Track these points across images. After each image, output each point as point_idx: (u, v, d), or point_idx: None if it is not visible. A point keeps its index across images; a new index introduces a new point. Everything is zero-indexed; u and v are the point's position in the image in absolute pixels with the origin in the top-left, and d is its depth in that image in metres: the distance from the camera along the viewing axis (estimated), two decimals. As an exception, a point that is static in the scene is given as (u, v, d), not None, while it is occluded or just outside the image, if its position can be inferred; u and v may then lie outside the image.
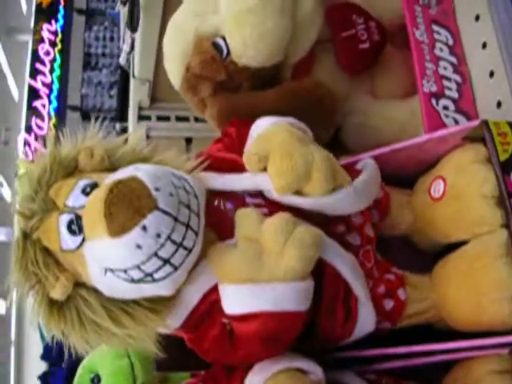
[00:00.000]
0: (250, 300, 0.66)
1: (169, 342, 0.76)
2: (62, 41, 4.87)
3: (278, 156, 0.72)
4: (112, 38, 4.72)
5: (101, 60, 4.86)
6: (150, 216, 0.61)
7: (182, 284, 0.70)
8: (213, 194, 0.76)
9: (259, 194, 0.77)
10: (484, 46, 0.90)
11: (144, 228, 0.61)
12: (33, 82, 4.83)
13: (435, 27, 0.95)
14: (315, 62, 1.00)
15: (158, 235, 0.62)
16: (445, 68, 0.92)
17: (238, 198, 0.77)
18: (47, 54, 4.84)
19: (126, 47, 1.53)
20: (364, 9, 1.02)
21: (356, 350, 0.82)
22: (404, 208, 0.89)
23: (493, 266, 0.73)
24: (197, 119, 1.49)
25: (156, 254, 0.63)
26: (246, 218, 0.70)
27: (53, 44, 4.86)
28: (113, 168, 0.72)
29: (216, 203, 0.76)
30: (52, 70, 4.83)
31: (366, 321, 0.77)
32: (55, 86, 4.82)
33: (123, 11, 1.47)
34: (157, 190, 0.63)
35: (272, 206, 0.76)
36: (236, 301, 0.68)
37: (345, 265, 0.75)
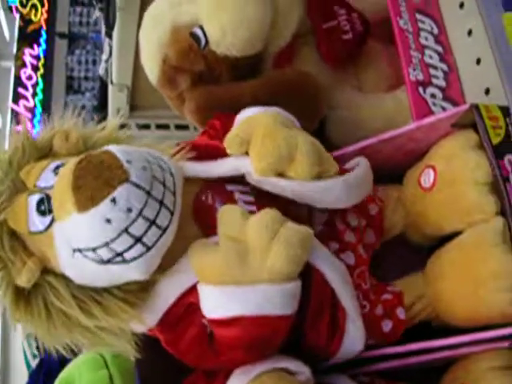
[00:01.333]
0: (230, 303, 0.61)
1: (153, 356, 0.72)
2: (44, 65, 4.86)
3: (260, 137, 0.69)
4: (94, 62, 4.71)
5: (83, 83, 4.84)
6: (120, 188, 0.57)
7: (158, 275, 0.65)
8: (200, 188, 0.73)
9: (249, 190, 0.74)
10: (469, 33, 0.88)
11: (114, 200, 0.57)
12: (15, 107, 4.81)
13: (419, 16, 0.93)
14: (296, 56, 0.98)
15: (129, 209, 0.58)
16: (430, 57, 0.90)
17: (227, 195, 0.73)
18: (29, 78, 4.82)
19: (104, 56, 1.50)
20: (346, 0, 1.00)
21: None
22: (397, 209, 0.85)
23: (490, 255, 0.69)
24: (177, 127, 1.46)
25: (126, 231, 0.58)
26: (229, 216, 0.64)
27: (35, 68, 4.85)
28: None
29: (204, 198, 0.72)
30: (34, 95, 4.81)
31: (354, 338, 0.71)
32: (38, 111, 4.79)
33: (102, 18, 1.45)
34: (128, 162, 0.59)
35: (262, 205, 0.71)
36: (215, 304, 0.63)
37: (334, 272, 0.70)
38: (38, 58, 4.91)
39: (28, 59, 4.89)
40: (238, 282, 0.61)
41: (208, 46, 0.85)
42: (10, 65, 5.20)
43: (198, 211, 0.71)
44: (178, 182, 0.65)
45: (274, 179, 0.70)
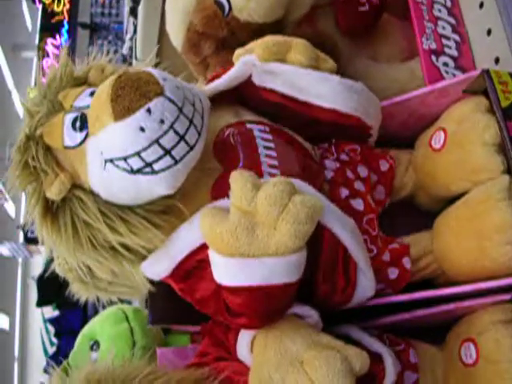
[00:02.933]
0: (237, 274, 0.63)
1: (163, 294, 0.76)
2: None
3: (259, 40, 0.82)
4: (116, 52, 4.77)
5: (105, 74, 4.90)
6: (155, 100, 0.62)
7: (177, 202, 0.69)
8: (221, 127, 0.77)
9: (267, 129, 0.78)
10: (481, 5, 0.92)
11: (149, 110, 0.61)
12: (37, 96, 4.87)
13: (433, -11, 0.96)
14: (315, 26, 1.02)
15: (162, 121, 0.62)
16: (443, 28, 0.94)
17: (247, 132, 0.77)
18: (51, 68, 4.90)
19: (128, 35, 1.55)
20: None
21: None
22: (408, 170, 0.89)
23: (495, 209, 0.72)
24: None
25: (158, 142, 0.62)
26: (240, 186, 0.63)
27: (57, 58, 4.92)
28: None
29: (224, 136, 0.76)
30: (56, 84, 4.87)
31: (365, 287, 0.74)
32: (59, 99, 4.85)
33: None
34: (164, 80, 0.64)
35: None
36: (223, 272, 0.65)
37: (344, 229, 0.71)
38: (60, 47, 4.96)
39: (50, 49, 4.95)
40: (245, 254, 0.62)
41: (231, 13, 0.90)
42: (33, 55, 5.26)
43: (218, 147, 0.75)
44: (206, 108, 0.69)
45: (275, 64, 0.79)
